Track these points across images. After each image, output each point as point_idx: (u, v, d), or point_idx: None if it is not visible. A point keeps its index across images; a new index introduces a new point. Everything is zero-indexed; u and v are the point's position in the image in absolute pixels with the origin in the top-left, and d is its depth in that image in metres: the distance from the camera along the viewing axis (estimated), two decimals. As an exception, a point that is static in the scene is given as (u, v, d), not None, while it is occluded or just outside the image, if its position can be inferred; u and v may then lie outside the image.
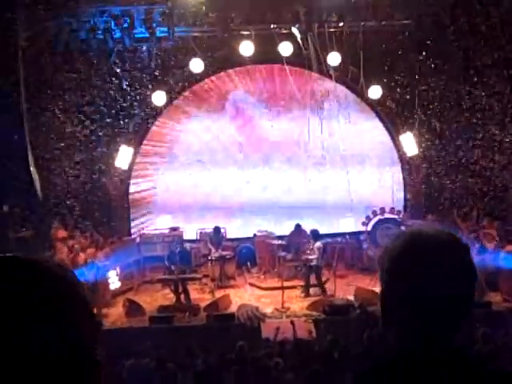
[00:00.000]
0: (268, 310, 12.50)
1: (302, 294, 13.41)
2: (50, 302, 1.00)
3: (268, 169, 17.22)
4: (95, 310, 12.15)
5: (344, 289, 13.62)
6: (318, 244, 13.39)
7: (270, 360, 8.63)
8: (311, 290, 13.60)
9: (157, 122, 16.67)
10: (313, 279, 13.65)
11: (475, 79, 15.26)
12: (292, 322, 10.39)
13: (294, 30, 14.11)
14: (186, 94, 16.77)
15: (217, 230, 14.91)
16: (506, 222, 14.11)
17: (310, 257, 13.37)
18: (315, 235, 13.64)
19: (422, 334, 1.50)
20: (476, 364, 1.51)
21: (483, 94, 15.26)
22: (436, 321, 1.49)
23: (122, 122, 15.73)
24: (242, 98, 17.09)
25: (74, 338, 1.02)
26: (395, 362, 1.53)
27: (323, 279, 13.64)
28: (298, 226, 15.15)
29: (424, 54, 15.17)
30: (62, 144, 15.22)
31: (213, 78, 16.68)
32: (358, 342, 9.37)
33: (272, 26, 14.54)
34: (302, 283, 13.88)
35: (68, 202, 15.25)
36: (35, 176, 14.41)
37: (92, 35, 14.02)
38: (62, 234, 13.55)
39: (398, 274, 1.55)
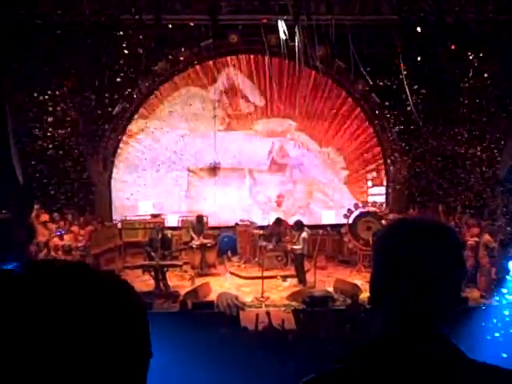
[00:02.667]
0: (248, 299, 12.55)
1: (300, 285, 13.51)
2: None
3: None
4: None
5: (324, 280, 13.73)
6: (304, 234, 13.48)
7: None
8: (290, 280, 13.74)
9: (142, 109, 16.63)
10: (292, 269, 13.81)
11: (461, 75, 15.40)
12: (268, 313, 10.44)
13: (281, 22, 14.09)
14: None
15: (199, 218, 14.94)
16: (489, 217, 14.26)
17: (295, 246, 13.46)
18: (300, 225, 13.72)
19: (408, 316, 1.50)
20: (459, 354, 1.50)
21: (469, 88, 15.42)
22: (423, 303, 1.49)
23: (107, 107, 15.63)
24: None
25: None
26: (379, 345, 1.53)
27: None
28: (278, 219, 15.25)
29: (410, 49, 15.23)
30: (45, 128, 15.10)
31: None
32: (340, 333, 9.45)
33: (260, 17, 14.52)
34: (284, 273, 14.03)
35: (50, 186, 15.17)
36: (16, 159, 14.33)
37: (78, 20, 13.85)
38: (43, 217, 13.48)
39: (386, 253, 1.57)
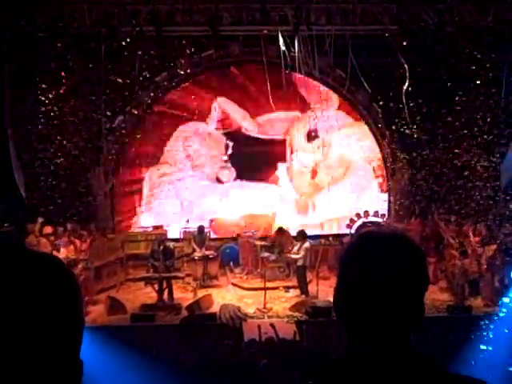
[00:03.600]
0: (250, 311, 12.51)
1: (302, 296, 13.42)
2: (50, 290, 1.01)
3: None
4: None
5: (326, 290, 13.66)
6: (307, 244, 13.44)
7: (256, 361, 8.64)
8: (292, 291, 13.70)
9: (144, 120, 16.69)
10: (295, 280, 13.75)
11: (460, 84, 15.42)
12: (272, 324, 10.39)
13: (282, 33, 14.12)
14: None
15: (201, 229, 14.91)
16: (491, 225, 14.21)
17: (296, 256, 13.40)
18: (303, 235, 13.67)
19: (369, 330, 1.49)
20: (430, 367, 1.49)
21: (468, 98, 15.44)
22: (382, 321, 1.47)
23: (107, 120, 15.64)
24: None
25: (63, 331, 1.02)
26: (343, 362, 1.52)
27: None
28: (280, 229, 15.21)
29: (410, 59, 15.25)
30: (47, 142, 15.09)
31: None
32: (342, 343, 9.38)
33: (260, 28, 14.54)
34: (287, 284, 13.98)
35: (52, 199, 15.15)
36: (19, 173, 14.36)
37: (80, 31, 13.89)
38: (46, 229, 13.46)
39: (345, 270, 1.56)
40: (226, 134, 17.40)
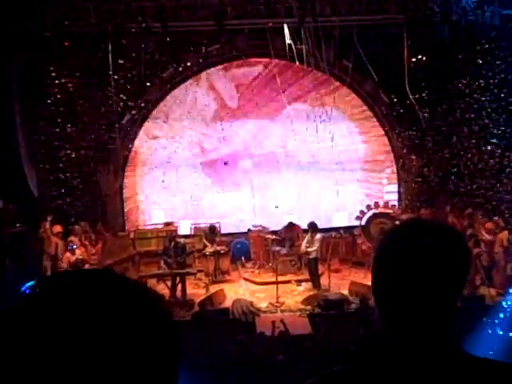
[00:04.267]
0: (263, 305, 12.51)
1: (314, 289, 13.41)
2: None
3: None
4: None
5: (338, 283, 13.65)
6: (319, 236, 13.42)
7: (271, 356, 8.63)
8: (304, 284, 13.68)
9: (150, 118, 16.65)
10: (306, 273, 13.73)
11: (468, 75, 15.30)
12: (282, 320, 10.38)
13: (287, 25, 14.05)
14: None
15: (212, 228, 14.97)
16: (502, 217, 14.11)
17: (310, 249, 13.37)
18: (314, 227, 13.64)
19: (408, 318, 1.48)
20: (470, 357, 1.48)
21: (476, 88, 15.32)
22: (421, 311, 1.46)
23: (116, 117, 15.64)
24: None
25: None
26: (383, 346, 1.51)
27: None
28: (290, 223, 15.18)
29: (417, 49, 15.16)
30: (56, 140, 15.14)
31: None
32: (355, 336, 9.37)
33: (265, 21, 14.47)
34: (297, 277, 13.95)
35: (62, 199, 15.20)
36: (31, 173, 14.41)
37: (86, 30, 13.88)
38: (57, 229, 13.49)
39: (384, 260, 1.55)
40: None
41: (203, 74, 16.76)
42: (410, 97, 15.03)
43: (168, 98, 16.66)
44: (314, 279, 13.47)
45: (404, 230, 1.60)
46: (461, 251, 1.52)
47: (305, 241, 13.67)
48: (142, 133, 16.66)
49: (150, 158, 16.85)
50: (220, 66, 16.79)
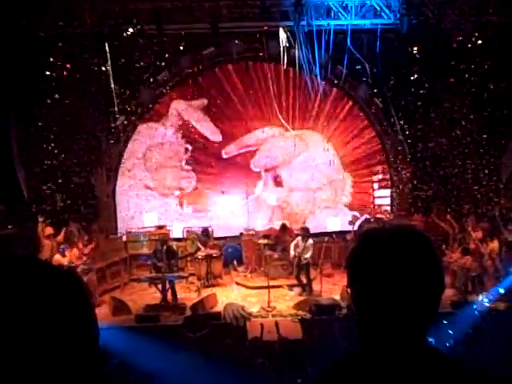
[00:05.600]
0: (254, 309, 12.47)
1: (304, 293, 13.41)
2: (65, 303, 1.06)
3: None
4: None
5: (330, 288, 13.63)
6: (311, 241, 13.43)
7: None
8: (295, 289, 13.65)
9: (144, 120, 16.63)
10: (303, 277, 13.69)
11: (463, 80, 15.37)
12: (276, 323, 10.35)
13: (282, 29, 14.07)
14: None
15: (205, 231, 14.95)
16: (492, 221, 14.14)
17: (306, 255, 13.36)
18: (307, 232, 13.64)
19: (384, 327, 1.48)
20: (449, 363, 1.48)
21: (468, 92, 15.41)
22: (398, 318, 1.46)
23: (110, 120, 15.60)
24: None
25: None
26: (359, 359, 1.51)
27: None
28: (283, 226, 15.16)
29: (412, 53, 15.21)
30: (49, 141, 15.08)
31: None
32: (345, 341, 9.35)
33: (261, 24, 14.47)
34: (289, 282, 13.92)
35: (55, 200, 15.15)
36: (21, 173, 14.36)
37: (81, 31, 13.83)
38: (48, 231, 13.43)
39: (356, 269, 1.55)
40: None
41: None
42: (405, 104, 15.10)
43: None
44: (308, 283, 13.44)
45: (368, 242, 1.58)
46: (427, 257, 1.51)
47: (293, 244, 13.62)
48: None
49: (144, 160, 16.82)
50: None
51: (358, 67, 15.26)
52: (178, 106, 16.71)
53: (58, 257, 12.66)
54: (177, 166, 16.91)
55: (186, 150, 16.93)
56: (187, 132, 16.85)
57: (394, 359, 1.45)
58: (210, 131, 16.90)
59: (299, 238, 13.62)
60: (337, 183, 17.33)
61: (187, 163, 16.91)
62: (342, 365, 1.54)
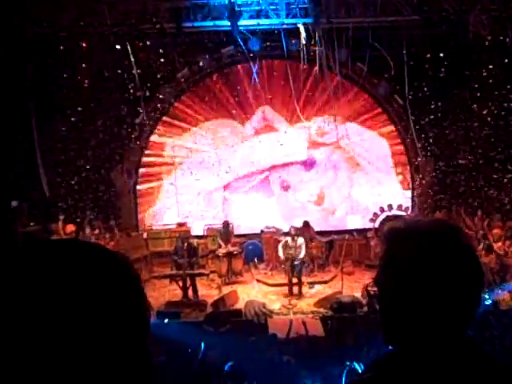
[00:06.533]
0: (275, 307, 12.48)
1: (292, 296, 13.10)
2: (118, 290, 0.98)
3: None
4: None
5: (351, 286, 13.59)
6: (302, 240, 13.34)
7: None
8: (316, 287, 13.65)
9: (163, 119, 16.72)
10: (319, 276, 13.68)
11: (483, 78, 15.22)
12: (303, 322, 10.33)
13: (301, 26, 14.04)
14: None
15: (226, 224, 14.89)
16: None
17: (300, 256, 13.24)
18: (297, 230, 13.59)
19: (428, 323, 1.45)
20: (490, 358, 1.46)
21: (493, 90, 15.27)
22: (435, 316, 1.44)
23: (129, 118, 15.70)
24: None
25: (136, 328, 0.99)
26: (405, 354, 1.48)
27: (330, 276, 13.65)
28: (305, 223, 15.12)
29: (432, 50, 15.10)
30: (70, 142, 15.21)
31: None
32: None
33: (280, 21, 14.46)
34: (310, 280, 13.94)
35: (76, 198, 15.27)
36: (42, 172, 14.49)
37: (102, 31, 13.90)
38: (70, 228, 13.55)
39: (391, 268, 1.51)
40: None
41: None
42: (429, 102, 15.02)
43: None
44: (299, 284, 13.29)
45: (410, 237, 1.52)
46: (463, 249, 1.49)
47: (280, 245, 13.41)
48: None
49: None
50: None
51: (377, 64, 15.18)
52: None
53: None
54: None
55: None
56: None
57: (441, 358, 1.43)
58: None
59: (288, 238, 13.41)
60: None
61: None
62: (384, 365, 1.50)
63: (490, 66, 15.03)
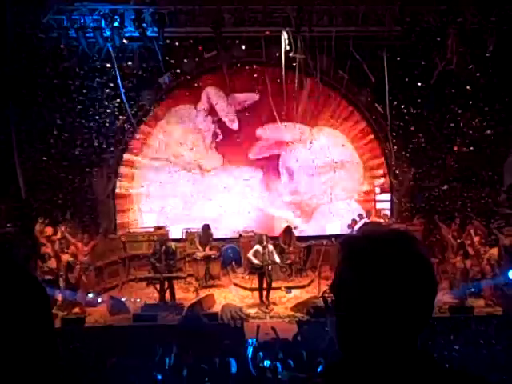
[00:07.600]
0: (252, 311, 12.53)
1: (262, 303, 13.16)
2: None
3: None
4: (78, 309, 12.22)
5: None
6: (271, 247, 13.42)
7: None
8: (293, 291, 13.72)
9: (144, 122, 16.72)
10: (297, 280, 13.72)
11: (464, 86, 15.42)
12: (273, 327, 10.35)
13: (284, 34, 14.14)
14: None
15: (205, 227, 14.89)
16: (492, 225, 14.20)
17: (276, 260, 13.42)
18: (268, 239, 13.67)
19: (374, 336, 1.47)
20: (442, 367, 1.49)
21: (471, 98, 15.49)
22: (388, 323, 1.46)
23: (109, 121, 15.66)
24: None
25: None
26: (349, 364, 1.51)
27: (308, 281, 13.74)
28: (287, 228, 15.21)
29: (412, 60, 15.26)
30: (48, 142, 15.11)
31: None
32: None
33: (263, 29, 14.54)
34: (287, 284, 13.98)
35: (54, 200, 15.18)
36: (19, 173, 14.39)
37: (81, 34, 13.85)
38: (48, 230, 13.49)
39: (347, 271, 1.53)
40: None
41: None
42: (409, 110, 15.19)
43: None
44: (268, 290, 13.35)
45: (359, 246, 1.55)
46: (415, 258, 1.51)
47: (251, 253, 13.35)
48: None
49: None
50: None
51: (359, 73, 15.33)
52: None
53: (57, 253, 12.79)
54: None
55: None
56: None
57: (389, 365, 1.45)
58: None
59: (257, 246, 13.38)
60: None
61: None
62: (334, 369, 1.53)
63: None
